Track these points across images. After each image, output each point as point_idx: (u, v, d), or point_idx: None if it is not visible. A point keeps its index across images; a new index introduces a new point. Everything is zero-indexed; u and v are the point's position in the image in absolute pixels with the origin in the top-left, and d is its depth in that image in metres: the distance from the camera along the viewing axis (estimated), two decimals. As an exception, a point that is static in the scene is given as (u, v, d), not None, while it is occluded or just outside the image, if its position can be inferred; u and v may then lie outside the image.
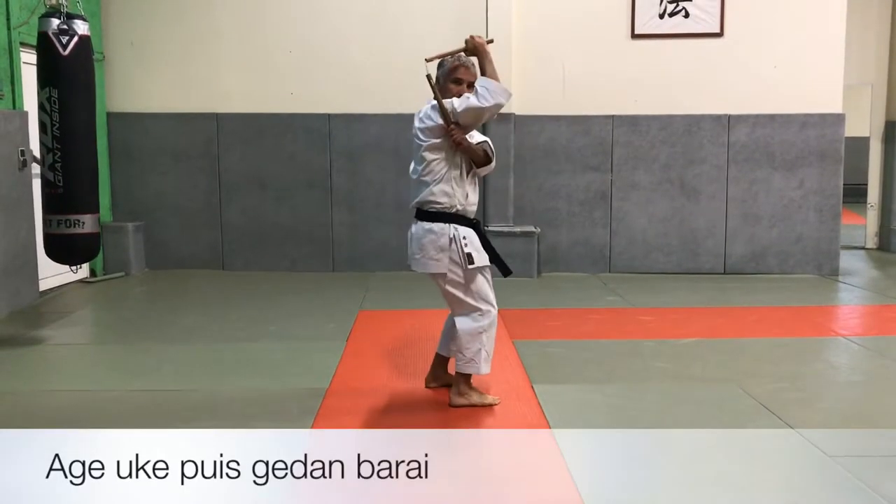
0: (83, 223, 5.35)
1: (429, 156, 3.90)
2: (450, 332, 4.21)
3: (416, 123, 3.98)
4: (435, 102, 3.89)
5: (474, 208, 4.03)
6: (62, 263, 5.61)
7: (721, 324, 6.04)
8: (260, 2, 8.04)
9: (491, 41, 4.00)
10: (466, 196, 3.96)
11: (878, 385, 4.59)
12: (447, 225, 3.92)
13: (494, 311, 4.04)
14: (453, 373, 4.19)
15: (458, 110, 3.81)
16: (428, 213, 3.94)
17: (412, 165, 4.05)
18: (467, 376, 4.04)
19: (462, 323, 4.00)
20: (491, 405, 4.05)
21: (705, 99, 8.05)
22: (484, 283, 4.00)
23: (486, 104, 3.76)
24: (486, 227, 7.76)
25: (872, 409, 4.16)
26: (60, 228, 5.31)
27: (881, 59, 9.49)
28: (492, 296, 4.04)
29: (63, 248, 5.41)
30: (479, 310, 3.97)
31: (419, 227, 3.98)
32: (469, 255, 3.90)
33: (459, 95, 3.90)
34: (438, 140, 3.88)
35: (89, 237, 5.44)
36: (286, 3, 8.03)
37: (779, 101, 8.03)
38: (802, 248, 8.15)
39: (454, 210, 3.93)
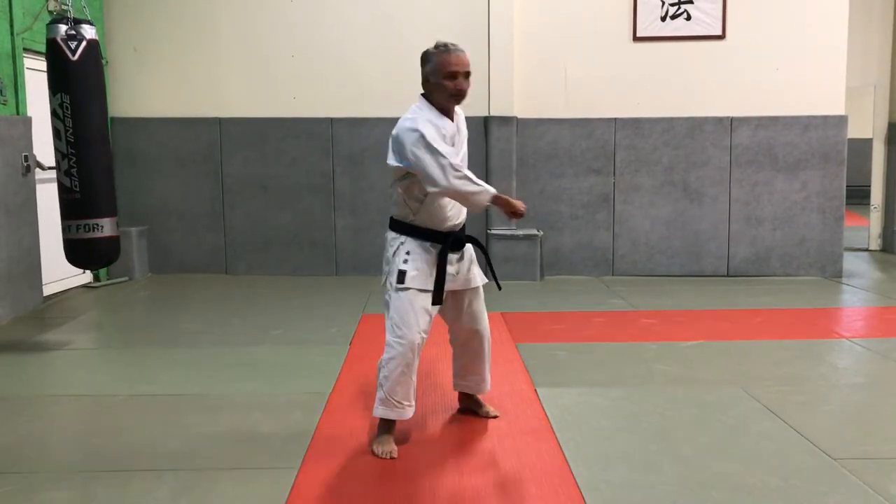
0: (102, 227, 5.39)
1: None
2: (456, 364, 3.94)
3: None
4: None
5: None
6: (84, 268, 5.64)
7: (724, 326, 6.03)
8: (262, 7, 8.06)
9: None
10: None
11: (882, 387, 4.58)
12: (397, 235, 3.62)
13: (401, 349, 3.50)
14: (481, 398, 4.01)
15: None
16: (391, 220, 3.67)
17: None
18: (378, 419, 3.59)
19: (385, 355, 3.59)
20: (379, 457, 3.49)
21: (707, 101, 8.05)
22: (406, 310, 3.51)
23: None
24: (488, 231, 7.77)
25: (876, 412, 4.15)
26: (80, 233, 5.34)
27: (884, 60, 9.49)
28: (411, 327, 3.50)
29: (84, 253, 5.44)
30: (388, 341, 3.55)
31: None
32: (402, 273, 3.52)
33: (458, 92, 3.49)
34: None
35: (109, 240, 5.46)
36: (288, 8, 8.05)
37: (781, 103, 8.03)
38: (806, 250, 8.14)
39: (409, 220, 3.58)
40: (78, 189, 5.30)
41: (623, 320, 6.28)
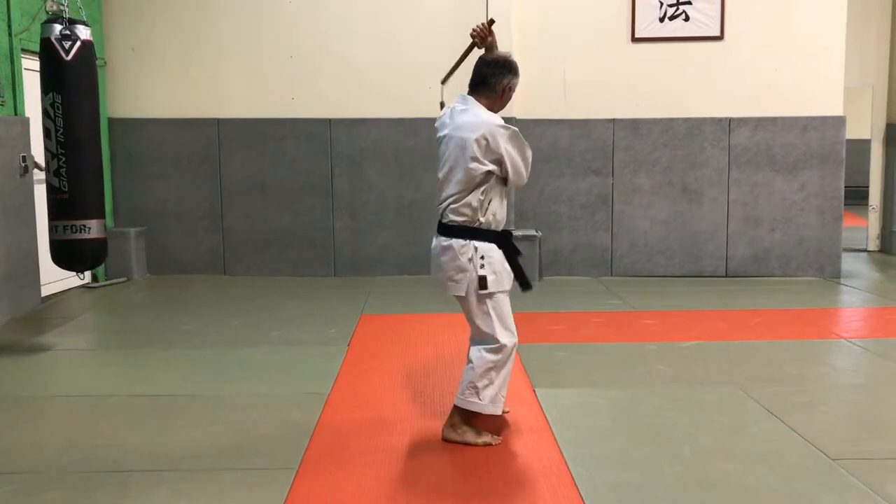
0: (89, 228, 5.36)
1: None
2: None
3: (472, 134, 3.45)
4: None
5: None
6: (69, 269, 5.60)
7: (723, 327, 6.03)
8: (260, 7, 8.06)
9: (493, 21, 3.72)
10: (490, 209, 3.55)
11: (881, 387, 4.58)
12: (467, 242, 3.51)
13: (511, 350, 3.58)
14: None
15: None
16: (450, 228, 3.54)
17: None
18: (466, 412, 3.62)
19: (474, 353, 3.59)
20: (486, 445, 3.61)
21: (706, 102, 8.05)
22: (507, 312, 3.60)
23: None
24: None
25: (875, 412, 4.15)
26: (67, 234, 5.32)
27: (881, 61, 9.50)
28: (513, 328, 3.61)
29: (70, 254, 5.41)
30: (496, 340, 3.54)
31: (437, 244, 3.59)
32: (483, 279, 3.49)
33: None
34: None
35: (96, 242, 5.44)
36: (286, 9, 8.05)
37: (780, 104, 8.04)
38: (804, 250, 8.15)
39: (476, 224, 3.52)
40: (66, 189, 5.28)
41: (622, 321, 6.28)
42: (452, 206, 3.51)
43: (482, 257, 3.50)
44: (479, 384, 3.55)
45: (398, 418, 4.03)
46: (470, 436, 3.63)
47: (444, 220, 3.56)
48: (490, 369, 3.54)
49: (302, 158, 8.14)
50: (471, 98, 3.59)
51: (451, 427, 3.66)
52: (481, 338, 3.58)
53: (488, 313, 3.53)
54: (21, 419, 4.08)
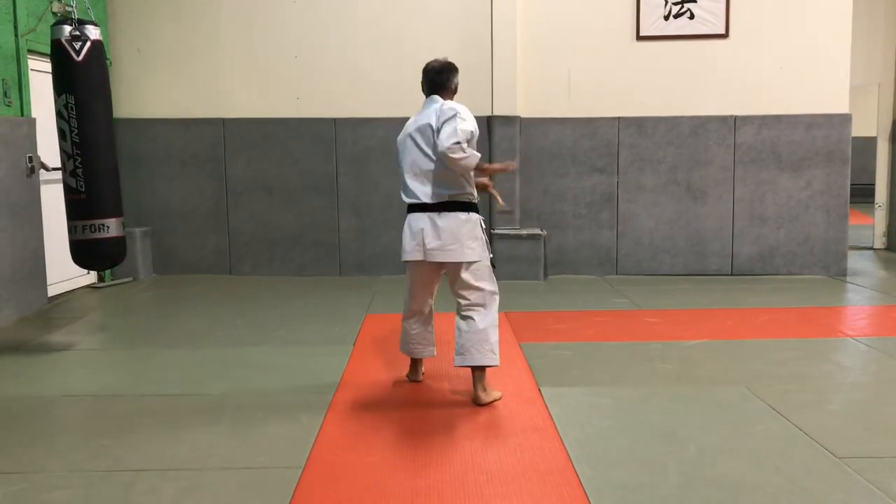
0: (108, 227, 5.40)
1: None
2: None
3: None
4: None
5: None
6: (90, 269, 5.65)
7: (728, 325, 6.03)
8: (265, 7, 8.07)
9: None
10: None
11: (887, 386, 4.57)
12: (477, 214, 4.16)
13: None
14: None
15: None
16: (461, 204, 4.11)
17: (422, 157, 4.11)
18: (483, 371, 4.16)
19: (485, 314, 4.15)
20: (496, 399, 4.22)
21: (711, 100, 8.04)
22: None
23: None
24: (492, 231, 7.78)
25: (881, 410, 4.14)
26: (86, 234, 5.35)
27: (888, 58, 9.47)
28: None
29: (90, 254, 5.45)
30: (495, 294, 4.19)
31: (453, 218, 4.07)
32: (489, 243, 4.23)
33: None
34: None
35: (115, 241, 5.48)
36: (291, 9, 8.06)
37: (785, 102, 8.02)
38: (810, 248, 8.13)
39: (475, 200, 4.18)
40: (83, 189, 5.32)
41: (627, 319, 6.28)
42: (454, 181, 4.05)
43: (482, 227, 4.17)
44: (493, 339, 4.11)
45: (403, 417, 4.04)
46: (494, 393, 4.19)
47: (447, 198, 4.06)
48: (494, 326, 4.14)
49: (307, 158, 8.15)
50: (435, 96, 4.16)
51: (484, 390, 4.15)
52: (482, 299, 4.14)
53: (486, 273, 4.16)
54: (28, 418, 4.10)
